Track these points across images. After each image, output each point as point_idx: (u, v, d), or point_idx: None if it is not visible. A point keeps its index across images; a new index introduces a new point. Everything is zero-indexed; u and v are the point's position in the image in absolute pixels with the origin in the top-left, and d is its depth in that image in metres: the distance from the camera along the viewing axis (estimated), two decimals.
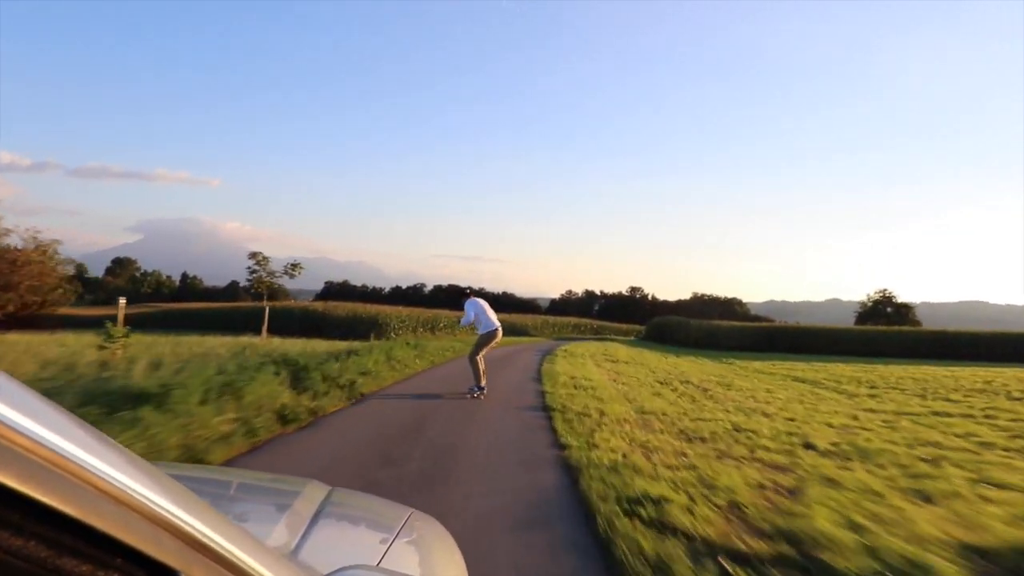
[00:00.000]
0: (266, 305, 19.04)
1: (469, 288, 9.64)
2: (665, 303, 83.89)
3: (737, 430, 5.72)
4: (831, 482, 3.74)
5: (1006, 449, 5.47)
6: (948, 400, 9.92)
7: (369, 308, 31.13)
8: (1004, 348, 29.24)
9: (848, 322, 48.77)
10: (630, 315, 69.15)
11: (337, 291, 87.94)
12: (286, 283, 20.78)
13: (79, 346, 9.06)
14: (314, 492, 1.27)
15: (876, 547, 2.56)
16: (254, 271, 19.20)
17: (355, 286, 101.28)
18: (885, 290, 55.69)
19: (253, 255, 19.16)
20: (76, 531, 0.39)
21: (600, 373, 11.35)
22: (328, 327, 26.89)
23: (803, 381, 13.34)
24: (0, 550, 0.38)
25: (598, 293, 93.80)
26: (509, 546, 2.64)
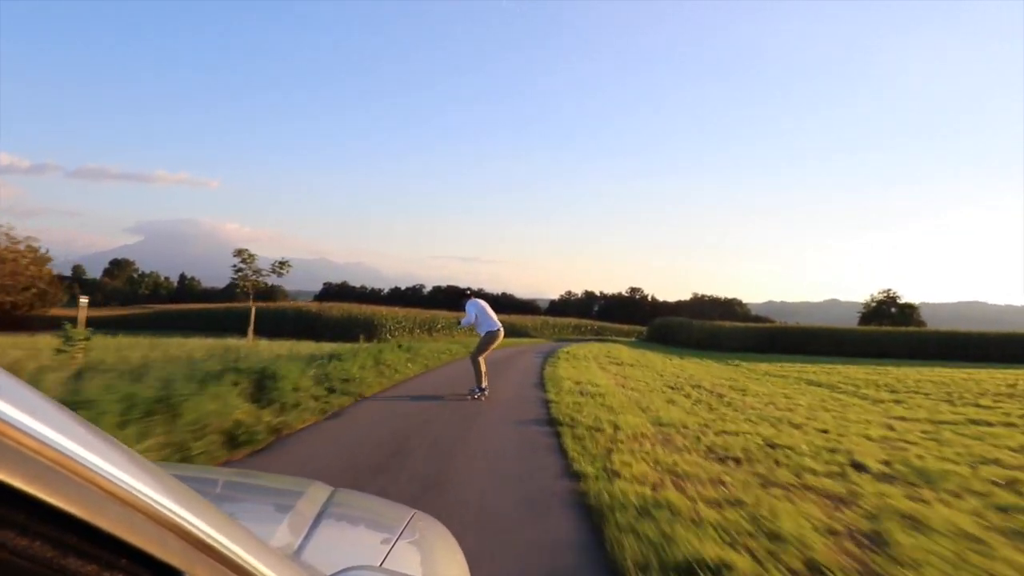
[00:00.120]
0: (252, 305, 18.24)
1: (469, 289, 9.54)
2: (665, 304, 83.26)
3: (771, 446, 4.99)
4: (912, 522, 3.00)
5: None
6: (978, 406, 9.29)
7: (364, 309, 30.53)
8: (1014, 349, 28.73)
9: (847, 322, 48.27)
10: (630, 316, 68.53)
11: (336, 292, 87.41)
12: (283, 284, 20.10)
13: (38, 349, 8.31)
14: (317, 493, 1.26)
15: None
16: (240, 269, 18.44)
17: (354, 287, 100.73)
18: (889, 290, 55.30)
19: (239, 252, 18.32)
20: (81, 531, 0.39)
21: (606, 377, 10.66)
22: (322, 328, 26.25)
23: (818, 385, 12.69)
24: (6, 550, 0.38)
25: (598, 294, 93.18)
26: None
